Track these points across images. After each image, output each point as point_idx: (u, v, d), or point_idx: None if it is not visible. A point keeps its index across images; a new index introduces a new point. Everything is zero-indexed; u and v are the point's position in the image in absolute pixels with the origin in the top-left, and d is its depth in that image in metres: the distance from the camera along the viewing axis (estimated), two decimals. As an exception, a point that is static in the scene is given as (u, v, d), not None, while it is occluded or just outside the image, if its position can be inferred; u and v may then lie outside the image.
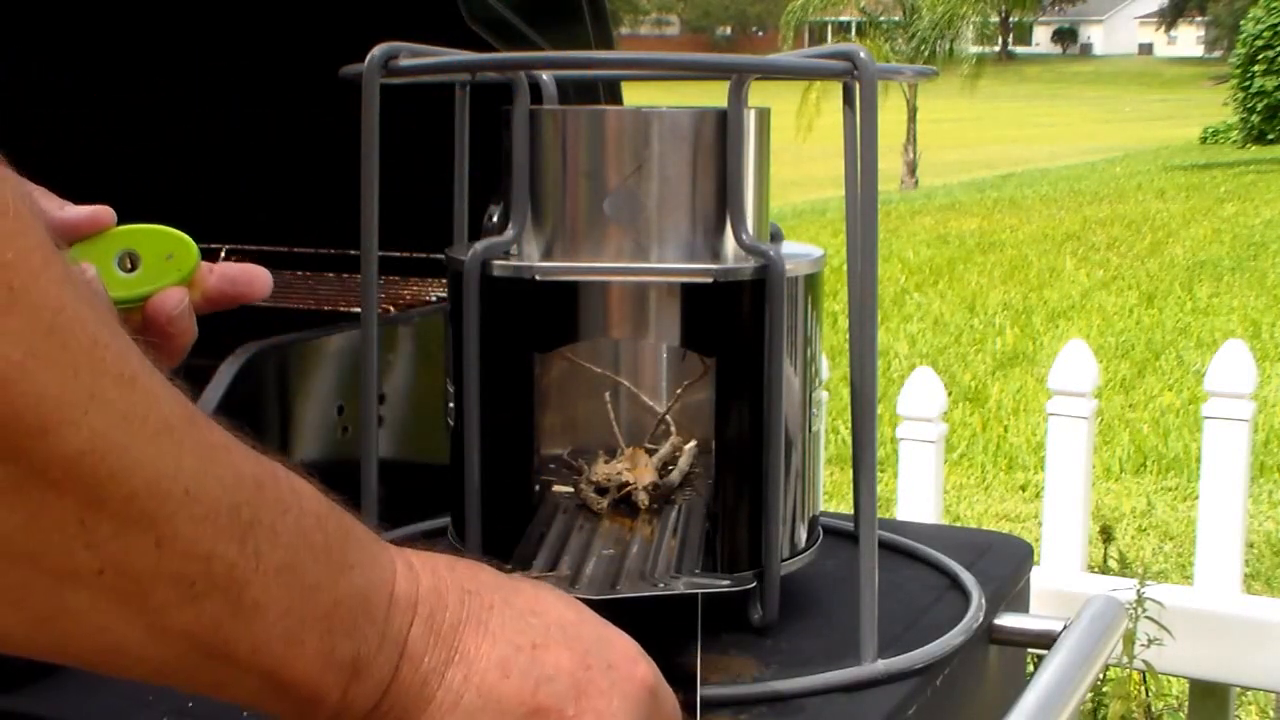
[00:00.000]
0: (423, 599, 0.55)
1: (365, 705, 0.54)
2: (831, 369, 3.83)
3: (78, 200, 0.75)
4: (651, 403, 1.02)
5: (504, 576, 0.60)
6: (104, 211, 0.73)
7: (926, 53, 20.75)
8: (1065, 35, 76.86)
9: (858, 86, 0.90)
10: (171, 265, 0.70)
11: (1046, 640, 0.98)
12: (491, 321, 0.92)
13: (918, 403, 2.71)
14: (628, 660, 0.60)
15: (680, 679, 0.81)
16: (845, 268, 0.95)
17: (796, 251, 0.97)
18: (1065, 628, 0.97)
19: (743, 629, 0.94)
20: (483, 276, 0.91)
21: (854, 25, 25.08)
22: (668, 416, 1.01)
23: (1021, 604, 1.10)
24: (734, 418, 0.92)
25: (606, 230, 0.92)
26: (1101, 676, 2.24)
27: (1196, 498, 2.71)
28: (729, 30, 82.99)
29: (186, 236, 0.70)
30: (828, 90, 15.90)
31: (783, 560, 0.94)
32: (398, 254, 1.42)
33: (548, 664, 0.56)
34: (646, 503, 0.93)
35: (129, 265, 0.70)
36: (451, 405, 0.97)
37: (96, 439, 0.43)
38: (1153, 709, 2.69)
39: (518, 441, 0.93)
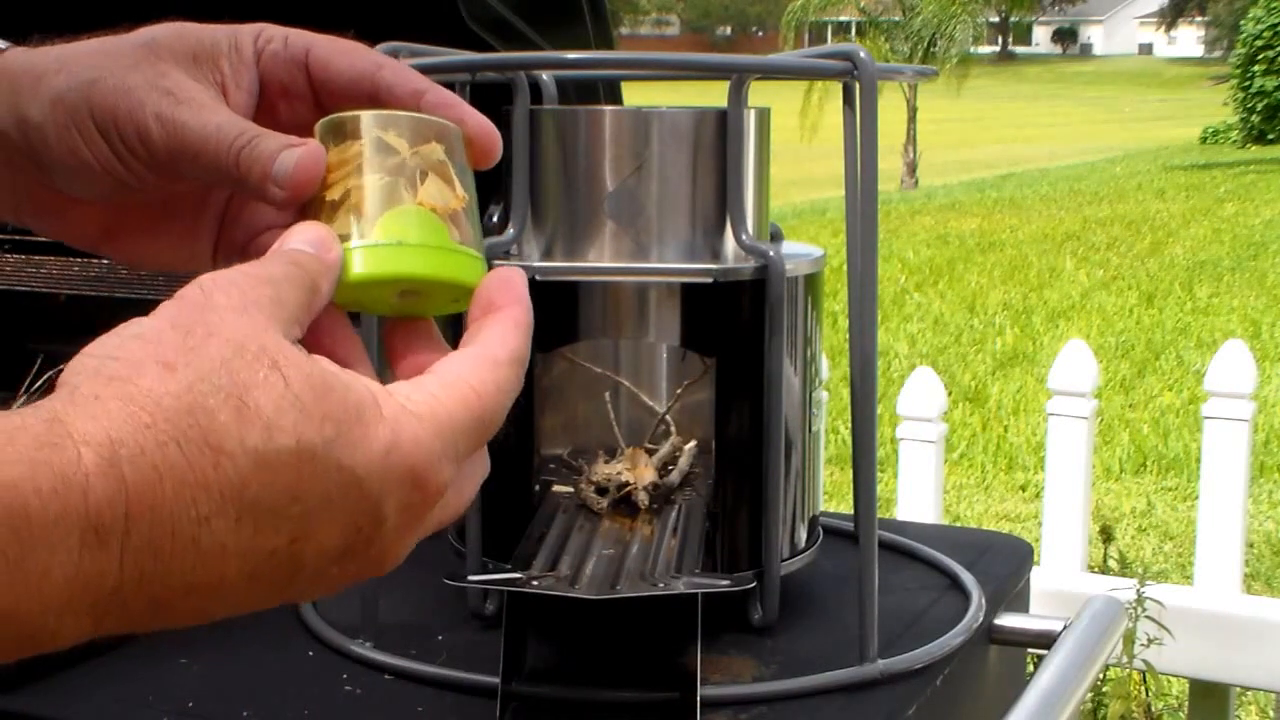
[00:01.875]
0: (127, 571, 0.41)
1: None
2: (831, 369, 3.83)
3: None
4: (651, 403, 1.02)
5: (246, 435, 0.42)
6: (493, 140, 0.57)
7: (921, 52, 20.74)
8: (1065, 35, 76.86)
9: (857, 86, 0.90)
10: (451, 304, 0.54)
11: (1046, 640, 0.98)
12: (491, 321, 0.92)
13: (918, 403, 2.71)
14: (413, 493, 0.47)
15: (680, 679, 0.81)
16: (845, 268, 0.95)
17: (796, 251, 0.97)
18: (1065, 628, 0.97)
19: (743, 629, 0.94)
20: (483, 276, 0.91)
21: (854, 25, 25.08)
22: (668, 416, 1.01)
23: (1021, 604, 1.10)
24: (734, 418, 0.92)
25: (606, 230, 0.92)
26: (1101, 676, 2.25)
27: (1196, 498, 2.71)
28: (729, 30, 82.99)
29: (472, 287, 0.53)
30: (830, 90, 15.89)
31: (783, 560, 0.94)
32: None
33: (308, 556, 0.44)
34: (646, 503, 0.93)
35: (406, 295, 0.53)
36: (451, 405, 0.97)
37: None
38: (1153, 709, 2.69)
39: (518, 441, 0.93)
